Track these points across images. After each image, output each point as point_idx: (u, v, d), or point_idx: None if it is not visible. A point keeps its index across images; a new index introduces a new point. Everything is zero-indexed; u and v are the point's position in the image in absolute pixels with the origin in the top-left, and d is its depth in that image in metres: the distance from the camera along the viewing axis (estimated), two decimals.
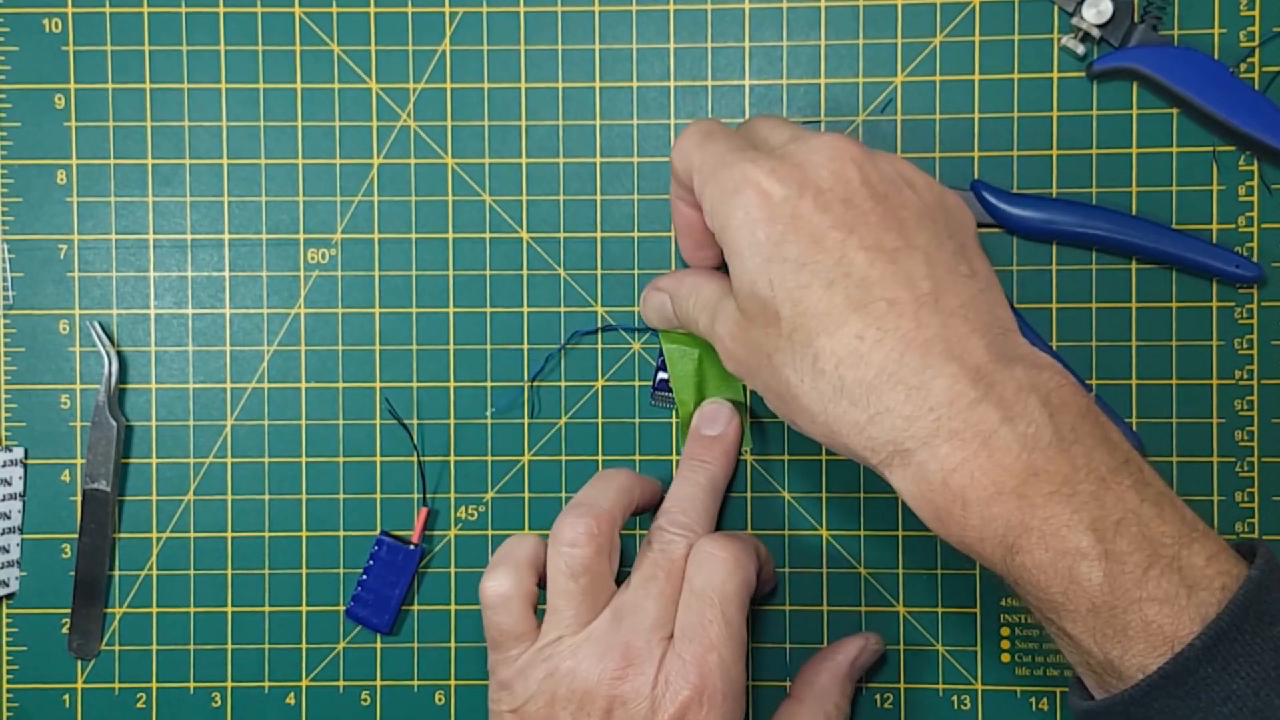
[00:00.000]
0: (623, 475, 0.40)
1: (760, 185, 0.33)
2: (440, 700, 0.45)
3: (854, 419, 0.31)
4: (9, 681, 0.45)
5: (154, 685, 0.45)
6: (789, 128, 0.36)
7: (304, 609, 0.45)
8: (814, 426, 0.33)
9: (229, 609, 0.45)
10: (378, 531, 0.44)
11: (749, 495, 0.44)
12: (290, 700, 0.45)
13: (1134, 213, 0.43)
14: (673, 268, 0.44)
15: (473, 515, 0.45)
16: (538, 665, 0.36)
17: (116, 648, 0.45)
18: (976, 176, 0.44)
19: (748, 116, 0.44)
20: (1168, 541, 0.30)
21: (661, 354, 0.44)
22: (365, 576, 0.44)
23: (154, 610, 0.45)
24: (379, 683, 0.45)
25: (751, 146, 0.35)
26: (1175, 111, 0.43)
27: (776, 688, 0.44)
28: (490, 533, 0.45)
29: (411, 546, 0.44)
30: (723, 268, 0.37)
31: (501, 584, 0.37)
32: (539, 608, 0.38)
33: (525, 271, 0.45)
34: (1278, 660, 0.28)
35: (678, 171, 0.37)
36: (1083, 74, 0.43)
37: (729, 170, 0.34)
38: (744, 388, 0.44)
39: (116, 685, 0.45)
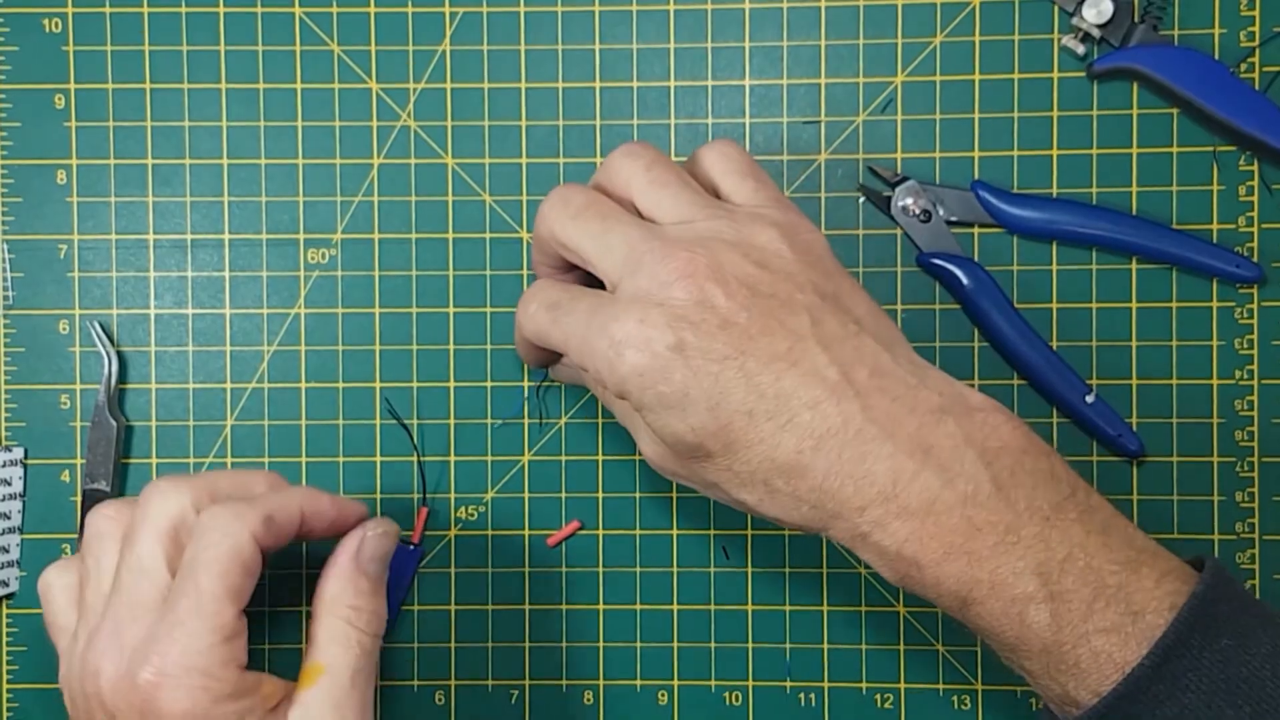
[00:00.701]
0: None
1: (640, 342, 0.32)
2: (440, 700, 0.45)
3: (818, 518, 0.32)
4: (9, 681, 0.45)
5: None
6: (629, 240, 0.34)
7: (304, 609, 0.45)
8: (786, 525, 0.34)
9: None
10: None
11: None
12: None
13: (1134, 213, 0.43)
14: None
15: (473, 515, 0.45)
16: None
17: None
18: (976, 176, 0.44)
19: (747, 116, 0.44)
20: (1114, 569, 0.31)
21: None
22: None
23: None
24: (379, 682, 0.45)
25: (592, 291, 0.35)
26: (1175, 111, 0.43)
27: (776, 688, 0.44)
28: (490, 533, 0.45)
29: (411, 547, 0.44)
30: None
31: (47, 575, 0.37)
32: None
33: (525, 271, 0.45)
34: (1226, 672, 0.29)
35: (539, 340, 0.36)
36: (1083, 74, 0.43)
37: (601, 336, 0.33)
38: None
39: None
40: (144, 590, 0.34)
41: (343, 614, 0.36)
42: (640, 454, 0.36)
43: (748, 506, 0.33)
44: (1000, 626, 0.31)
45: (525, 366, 0.44)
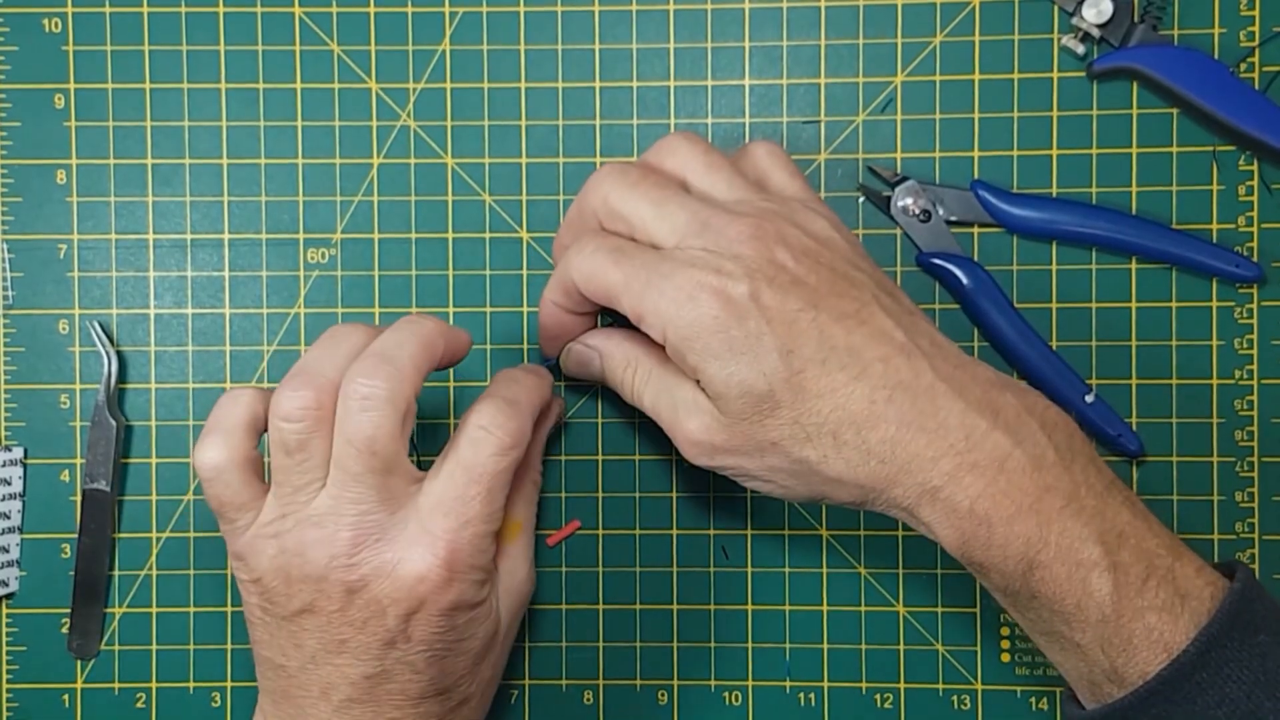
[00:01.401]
0: (425, 328, 0.36)
1: (714, 287, 0.33)
2: None
3: (886, 474, 0.33)
4: (9, 681, 0.45)
5: (154, 685, 0.45)
6: (689, 208, 0.34)
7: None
8: (843, 490, 0.34)
9: (229, 609, 0.45)
10: None
11: (749, 495, 0.44)
12: None
13: (1134, 213, 0.43)
14: None
15: None
16: (266, 541, 0.35)
17: (116, 648, 0.45)
18: (976, 176, 0.44)
19: (747, 116, 0.44)
20: (1161, 553, 0.32)
21: None
22: None
23: (154, 610, 0.45)
24: None
25: (656, 246, 0.35)
26: (1175, 111, 0.43)
27: (776, 688, 0.44)
28: None
29: None
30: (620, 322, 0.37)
31: (212, 455, 0.35)
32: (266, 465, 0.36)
33: (525, 271, 0.45)
34: (1264, 665, 0.30)
35: (583, 289, 0.35)
36: (1083, 74, 0.43)
37: (669, 281, 0.33)
38: None
39: (116, 685, 0.45)
40: (395, 487, 0.35)
41: (535, 479, 0.42)
42: (680, 440, 0.35)
43: (807, 464, 0.33)
44: (1062, 592, 0.31)
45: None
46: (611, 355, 0.39)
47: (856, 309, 0.33)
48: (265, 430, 0.36)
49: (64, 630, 0.45)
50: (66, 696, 0.45)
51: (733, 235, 0.33)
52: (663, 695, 0.44)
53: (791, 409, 0.33)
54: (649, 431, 0.44)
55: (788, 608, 0.44)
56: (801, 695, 0.44)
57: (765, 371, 0.32)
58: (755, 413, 0.33)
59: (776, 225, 0.34)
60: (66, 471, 0.45)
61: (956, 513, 0.32)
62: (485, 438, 0.35)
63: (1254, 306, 0.43)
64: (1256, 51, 0.43)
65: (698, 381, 0.34)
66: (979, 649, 0.44)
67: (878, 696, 0.44)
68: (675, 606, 0.44)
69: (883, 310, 0.34)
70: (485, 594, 0.36)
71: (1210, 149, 0.43)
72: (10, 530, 0.45)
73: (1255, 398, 0.43)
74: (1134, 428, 0.43)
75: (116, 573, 0.45)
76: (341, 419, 0.34)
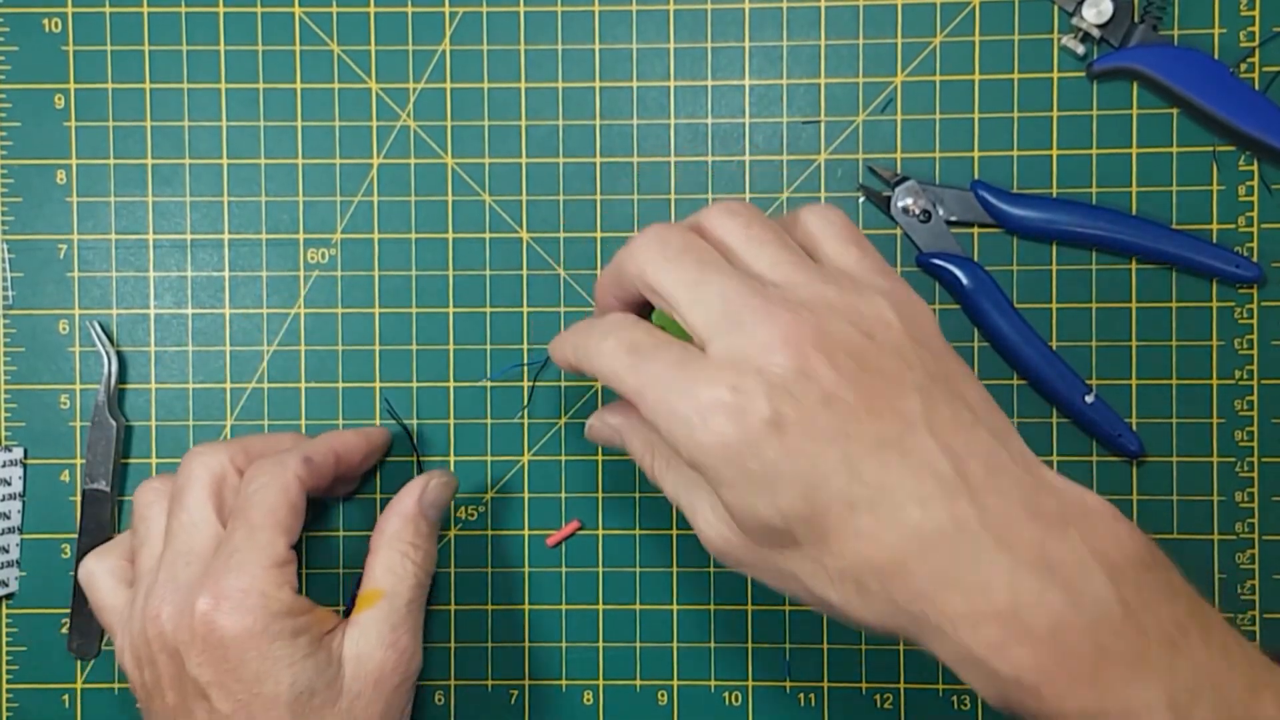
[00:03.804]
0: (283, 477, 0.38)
1: (731, 409, 0.29)
2: (440, 700, 0.45)
3: (918, 631, 0.29)
4: (9, 681, 0.45)
5: None
6: (725, 295, 0.31)
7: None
8: (864, 627, 0.30)
9: None
10: None
11: None
12: None
13: (1134, 213, 0.43)
14: None
15: (473, 515, 0.45)
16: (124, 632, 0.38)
17: None
18: (976, 176, 0.44)
19: (747, 116, 0.44)
20: (1239, 696, 0.28)
21: None
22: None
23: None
24: None
25: (679, 342, 0.31)
26: (1175, 111, 0.43)
27: (775, 688, 0.44)
28: (490, 533, 0.45)
29: None
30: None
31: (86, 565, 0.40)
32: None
33: (525, 271, 0.45)
34: None
35: (605, 384, 0.33)
36: (1083, 74, 0.43)
37: (684, 398, 0.30)
38: None
39: (116, 685, 0.45)
40: (196, 540, 0.37)
41: (401, 549, 0.40)
42: (700, 538, 0.32)
43: (829, 606, 0.30)
44: None
45: (526, 368, 0.44)
46: (632, 439, 0.36)
47: (899, 433, 0.29)
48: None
49: (64, 630, 0.45)
50: (66, 696, 0.45)
51: (764, 338, 0.29)
52: (663, 695, 0.44)
53: (812, 548, 0.29)
54: None
55: (788, 608, 0.44)
56: (801, 695, 0.44)
57: (783, 509, 0.29)
58: (773, 543, 0.30)
59: (817, 322, 0.30)
60: (66, 471, 0.45)
61: (999, 681, 0.28)
62: (248, 482, 0.38)
63: (1254, 306, 0.43)
64: (1256, 51, 0.43)
65: None
66: None
67: (878, 696, 0.44)
68: (675, 607, 0.44)
69: (930, 431, 0.29)
70: (284, 630, 0.36)
71: (1210, 149, 0.43)
72: (10, 530, 0.45)
73: (1255, 398, 0.43)
74: (1134, 428, 0.43)
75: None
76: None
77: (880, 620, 0.29)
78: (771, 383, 0.29)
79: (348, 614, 0.39)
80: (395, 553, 0.40)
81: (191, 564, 0.37)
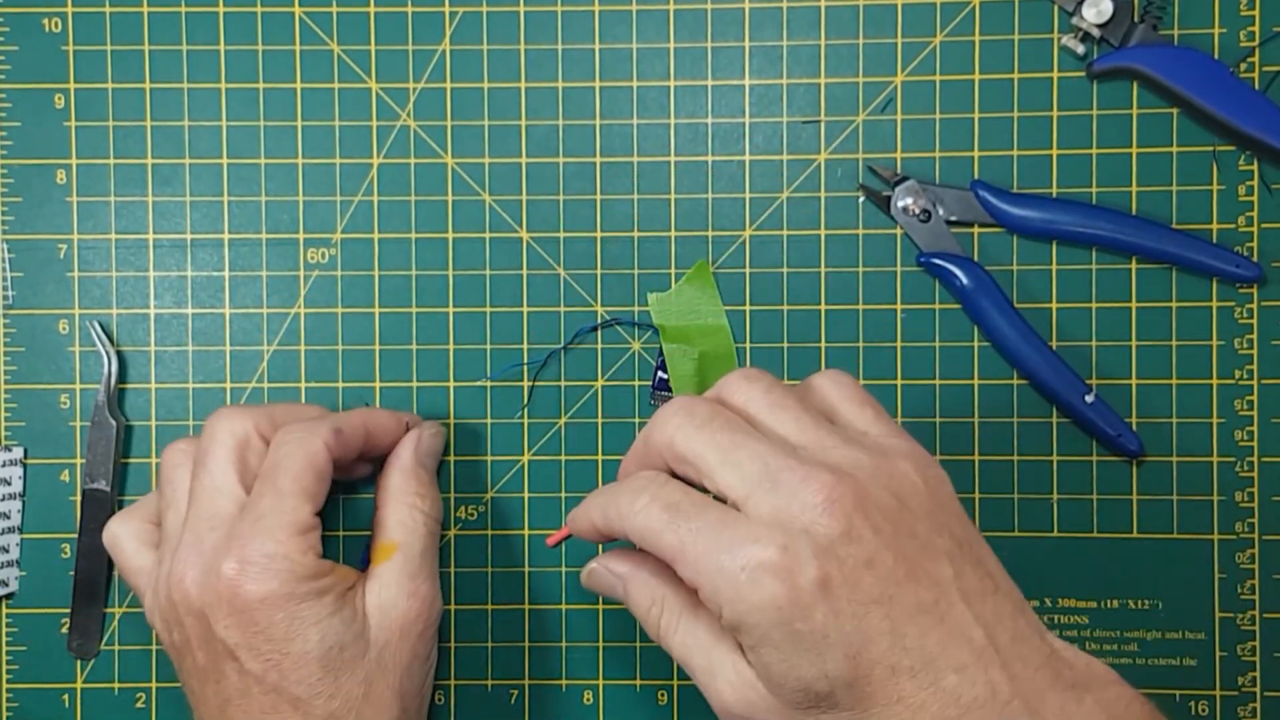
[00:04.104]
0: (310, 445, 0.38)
1: (780, 569, 0.29)
2: (440, 700, 0.45)
3: None
4: (9, 681, 0.45)
5: (154, 685, 0.45)
6: (761, 457, 0.31)
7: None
8: None
9: None
10: None
11: None
12: None
13: (1134, 213, 0.43)
14: (672, 268, 0.44)
15: (473, 515, 0.45)
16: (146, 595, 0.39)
17: (116, 648, 0.45)
18: (976, 176, 0.44)
19: (747, 116, 0.44)
20: None
21: (661, 353, 0.44)
22: None
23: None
24: None
25: (716, 502, 0.32)
26: (1175, 111, 0.43)
27: None
28: (490, 533, 0.45)
29: None
30: None
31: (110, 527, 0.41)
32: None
33: (525, 271, 0.45)
34: None
35: (639, 545, 0.33)
36: (1083, 74, 0.43)
37: (729, 556, 0.30)
38: None
39: (116, 685, 0.45)
40: (220, 504, 0.37)
41: (409, 500, 0.40)
42: (712, 702, 0.32)
43: None
44: None
45: (525, 368, 0.44)
46: (637, 590, 0.35)
47: (935, 599, 0.30)
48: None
49: (64, 630, 0.45)
50: (66, 696, 0.45)
51: (806, 498, 0.30)
52: (662, 695, 0.44)
53: (851, 714, 0.30)
54: None
55: None
56: None
57: (828, 672, 0.29)
58: (809, 707, 0.30)
59: (856, 484, 0.30)
60: (66, 471, 0.45)
61: None
62: (277, 446, 0.38)
63: (1254, 306, 0.43)
64: (1256, 51, 0.43)
65: (740, 646, 0.31)
66: None
67: None
68: None
69: (963, 598, 0.30)
70: (309, 592, 0.36)
71: (1210, 149, 0.43)
72: (10, 530, 0.45)
73: (1255, 398, 0.43)
74: (1134, 428, 0.43)
75: (116, 573, 0.45)
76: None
77: None
78: (819, 544, 0.29)
79: (364, 568, 0.40)
80: (403, 505, 0.40)
81: (215, 528, 0.37)
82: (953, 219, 0.44)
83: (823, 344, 0.44)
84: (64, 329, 0.45)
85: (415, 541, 0.40)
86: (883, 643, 0.29)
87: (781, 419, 0.33)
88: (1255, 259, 0.43)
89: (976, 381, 0.44)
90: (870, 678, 0.29)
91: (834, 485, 0.30)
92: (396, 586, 0.39)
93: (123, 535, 0.40)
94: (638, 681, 0.44)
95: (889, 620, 0.29)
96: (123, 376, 0.45)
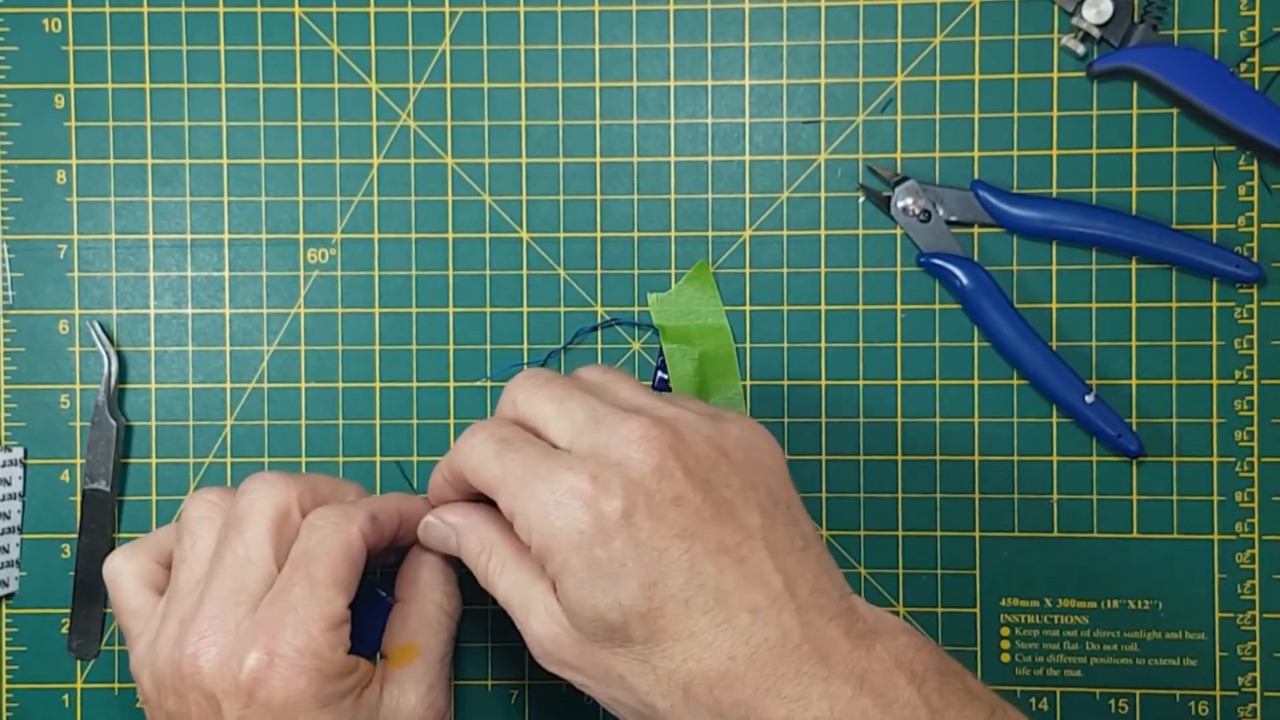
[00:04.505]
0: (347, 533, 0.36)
1: (586, 497, 0.31)
2: None
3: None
4: (9, 681, 0.45)
5: None
6: (589, 405, 0.33)
7: None
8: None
9: None
10: None
11: None
12: None
13: (1134, 213, 0.43)
14: (672, 268, 0.44)
15: None
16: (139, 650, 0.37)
17: (116, 648, 0.45)
18: (976, 176, 0.44)
19: (747, 116, 0.44)
20: None
21: (661, 354, 0.44)
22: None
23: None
24: None
25: (546, 445, 0.34)
26: (1175, 111, 0.43)
27: None
28: None
29: (383, 595, 0.40)
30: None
31: (113, 562, 0.38)
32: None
33: (525, 271, 0.45)
34: None
35: (468, 478, 0.35)
36: (1083, 74, 0.43)
37: (542, 483, 0.31)
38: (744, 388, 0.44)
39: (116, 685, 0.45)
40: (250, 578, 0.35)
41: (436, 599, 0.38)
42: (527, 640, 0.33)
43: (656, 713, 0.31)
44: None
45: (525, 366, 0.44)
46: (467, 537, 0.36)
47: (738, 543, 0.31)
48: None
49: (64, 630, 0.45)
50: (66, 696, 0.45)
51: (625, 434, 0.31)
52: None
53: (644, 647, 0.31)
54: None
55: None
56: None
57: (622, 601, 0.30)
58: (606, 640, 0.31)
59: (675, 430, 0.32)
60: (66, 471, 0.45)
61: None
62: (311, 529, 0.35)
63: (1254, 306, 0.43)
64: (1256, 51, 0.43)
65: (554, 585, 0.32)
66: (979, 649, 0.44)
67: None
68: None
69: (767, 548, 0.31)
70: (334, 693, 0.34)
71: (1210, 149, 0.43)
72: (10, 530, 0.45)
73: (1255, 398, 0.43)
74: (1134, 428, 0.43)
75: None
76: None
77: None
78: (630, 477, 0.31)
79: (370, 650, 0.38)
80: (430, 604, 0.38)
81: (241, 604, 0.34)
82: (953, 219, 0.44)
83: (823, 344, 0.44)
84: (64, 329, 0.45)
85: (437, 645, 0.38)
86: (679, 577, 0.30)
87: (619, 388, 0.35)
88: (1255, 259, 0.43)
89: (976, 381, 0.44)
90: (664, 610, 0.30)
91: (651, 426, 0.32)
92: (415, 696, 0.36)
93: (125, 573, 0.38)
94: None
95: (689, 555, 0.30)
96: (123, 376, 0.45)
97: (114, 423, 0.44)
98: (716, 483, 0.32)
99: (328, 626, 0.34)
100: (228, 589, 0.35)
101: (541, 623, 0.33)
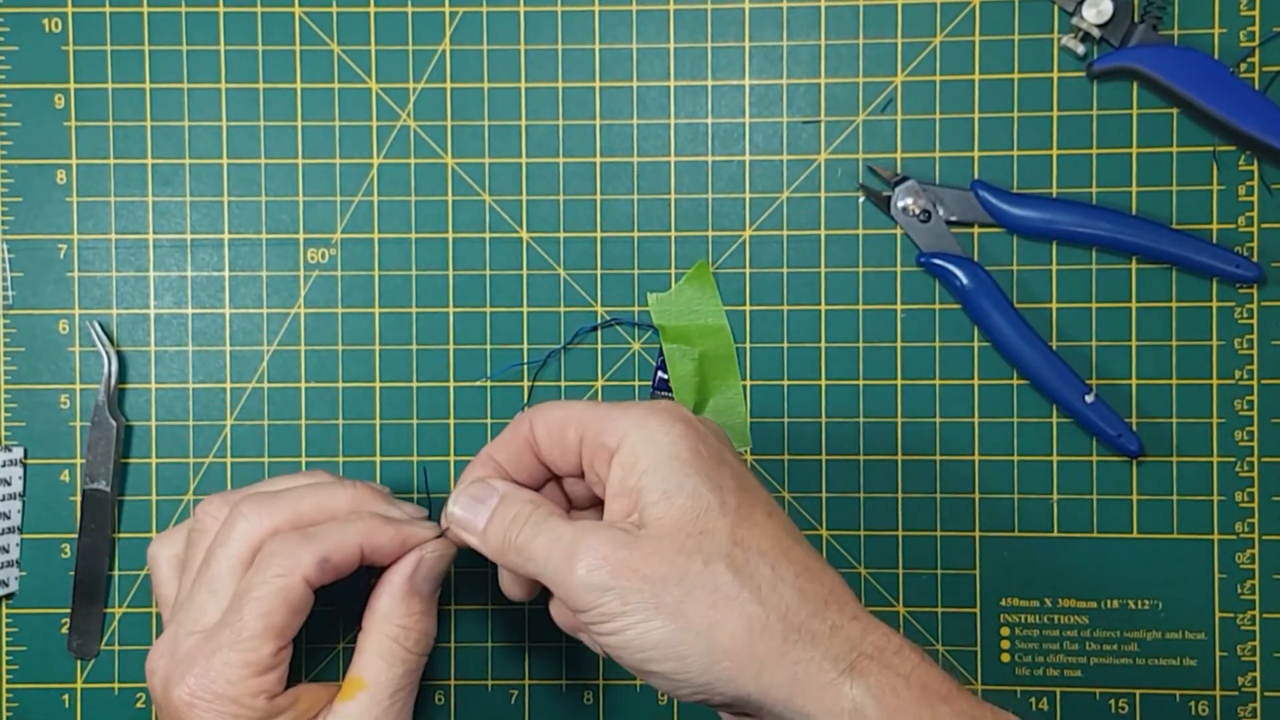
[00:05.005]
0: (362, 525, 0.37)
1: (684, 418, 0.34)
2: (440, 700, 0.45)
3: (814, 629, 0.31)
4: (9, 681, 0.45)
5: None
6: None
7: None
8: (734, 647, 0.31)
9: None
10: None
11: None
12: None
13: (1134, 213, 0.43)
14: (672, 268, 0.44)
15: None
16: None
17: (116, 648, 0.45)
18: (976, 176, 0.44)
19: (747, 116, 0.44)
20: None
21: (661, 354, 0.44)
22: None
23: (154, 610, 0.45)
24: None
25: None
26: (1175, 111, 0.43)
27: None
28: None
29: None
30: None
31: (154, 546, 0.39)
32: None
33: (525, 271, 0.45)
34: None
35: (547, 432, 0.36)
36: (1083, 74, 0.43)
37: (642, 407, 0.34)
38: (744, 387, 0.44)
39: (116, 685, 0.45)
40: (209, 608, 0.35)
41: (391, 632, 0.36)
42: (574, 568, 0.32)
43: (730, 604, 0.31)
44: None
45: (525, 368, 0.45)
46: (507, 503, 0.35)
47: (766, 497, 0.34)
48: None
49: (64, 630, 0.45)
50: (66, 696, 0.45)
51: (663, 403, 0.35)
52: (663, 696, 0.44)
53: (731, 535, 0.32)
54: None
55: None
56: None
57: (722, 485, 0.33)
58: (694, 523, 0.32)
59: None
60: (66, 471, 0.45)
61: (894, 689, 0.31)
62: (258, 567, 0.35)
63: (1254, 306, 0.43)
64: (1256, 51, 0.43)
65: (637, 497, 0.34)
66: (979, 649, 0.44)
67: None
68: None
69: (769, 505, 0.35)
70: None
71: (1210, 149, 0.43)
72: (10, 530, 0.45)
73: (1255, 398, 0.43)
74: (1134, 428, 0.43)
75: (116, 573, 0.45)
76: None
77: (780, 615, 0.31)
78: (693, 419, 0.36)
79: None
80: (384, 636, 0.36)
81: (195, 633, 0.35)
82: (953, 219, 0.44)
83: (823, 344, 0.44)
84: (64, 329, 0.45)
85: (387, 681, 0.36)
86: (749, 486, 0.34)
87: None
88: (1255, 259, 0.43)
89: (976, 381, 0.44)
90: (755, 508, 0.33)
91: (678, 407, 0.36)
92: None
93: (160, 559, 0.38)
94: (637, 681, 0.44)
95: (743, 477, 0.34)
96: (123, 376, 0.45)
97: (114, 423, 0.44)
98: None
99: (250, 674, 0.34)
100: (190, 614, 0.35)
101: (599, 537, 0.32)
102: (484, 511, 0.36)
